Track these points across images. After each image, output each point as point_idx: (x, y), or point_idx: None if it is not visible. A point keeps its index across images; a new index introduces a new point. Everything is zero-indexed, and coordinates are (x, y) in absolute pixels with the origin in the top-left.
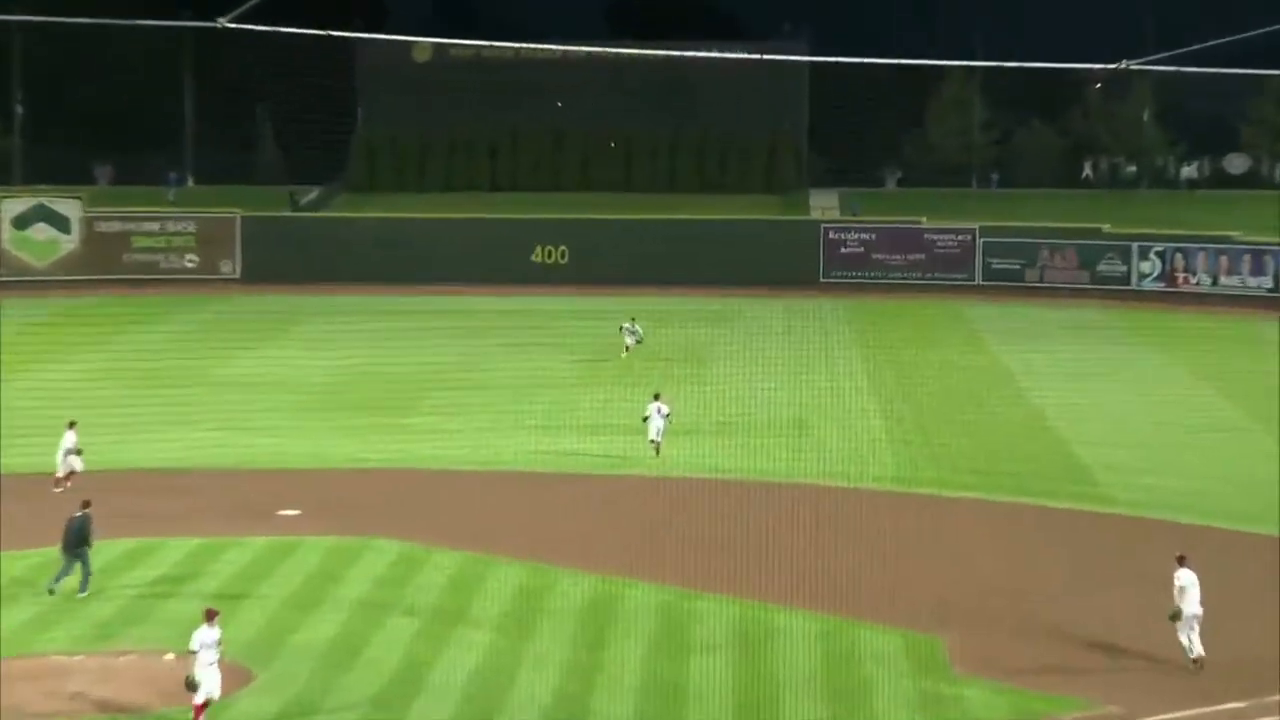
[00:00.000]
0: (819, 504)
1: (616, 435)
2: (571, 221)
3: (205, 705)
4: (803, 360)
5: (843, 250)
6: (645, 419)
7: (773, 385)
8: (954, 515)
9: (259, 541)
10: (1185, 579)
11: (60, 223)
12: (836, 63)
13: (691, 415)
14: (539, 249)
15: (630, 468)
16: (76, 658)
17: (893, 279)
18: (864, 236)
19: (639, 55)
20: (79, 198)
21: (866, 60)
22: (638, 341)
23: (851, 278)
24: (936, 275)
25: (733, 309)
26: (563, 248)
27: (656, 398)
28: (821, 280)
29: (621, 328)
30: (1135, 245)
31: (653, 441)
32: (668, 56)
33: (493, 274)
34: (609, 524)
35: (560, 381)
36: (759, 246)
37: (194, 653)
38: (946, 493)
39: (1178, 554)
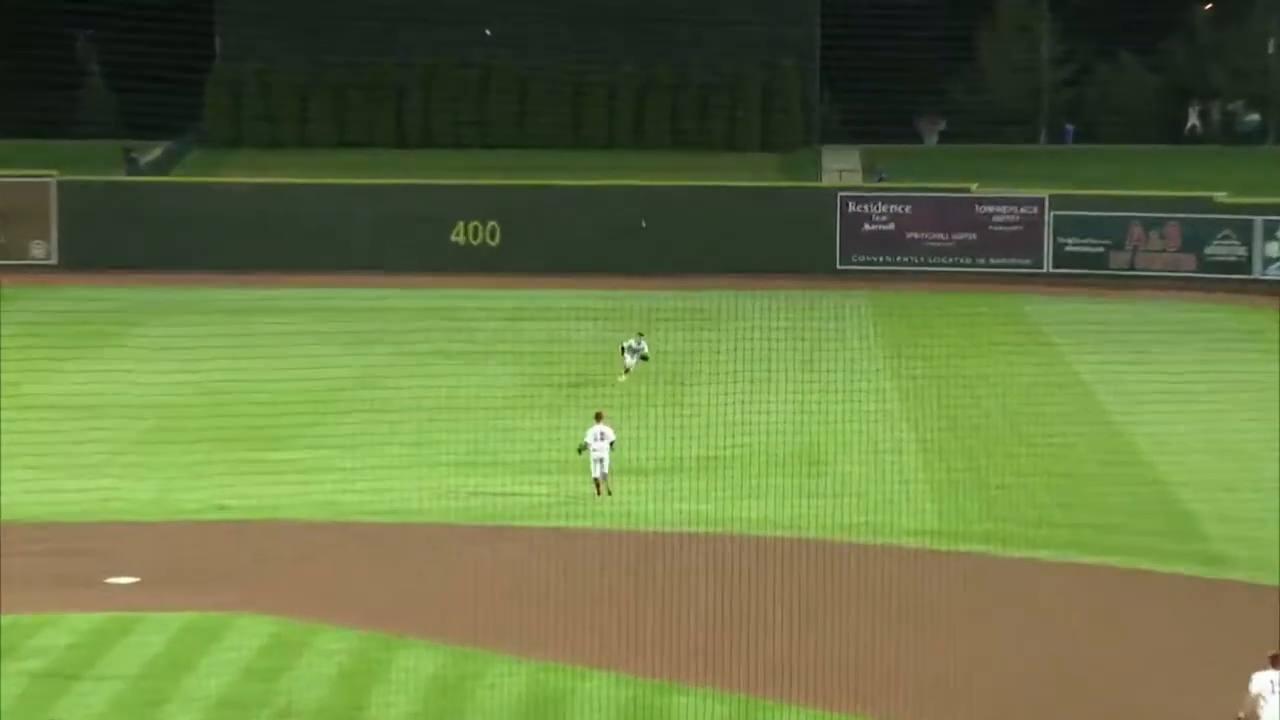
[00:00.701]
0: (837, 566)
1: (564, 474)
2: (505, 190)
3: None
4: (814, 375)
5: (866, 228)
6: (582, 449)
7: (775, 408)
8: (1015, 582)
9: (82, 619)
10: (1264, 684)
11: None
12: None
13: (667, 448)
14: (461, 226)
15: (582, 518)
16: None
17: (933, 266)
18: (895, 210)
19: None
20: None
21: None
22: (642, 359)
23: (878, 264)
24: (992, 261)
25: (720, 306)
26: (492, 224)
27: (598, 419)
28: (838, 268)
29: (624, 347)
30: (1259, 221)
31: (596, 478)
32: None
33: (399, 260)
34: (553, 593)
35: (490, 403)
36: (754, 223)
37: None
38: (1006, 551)
39: (1272, 652)
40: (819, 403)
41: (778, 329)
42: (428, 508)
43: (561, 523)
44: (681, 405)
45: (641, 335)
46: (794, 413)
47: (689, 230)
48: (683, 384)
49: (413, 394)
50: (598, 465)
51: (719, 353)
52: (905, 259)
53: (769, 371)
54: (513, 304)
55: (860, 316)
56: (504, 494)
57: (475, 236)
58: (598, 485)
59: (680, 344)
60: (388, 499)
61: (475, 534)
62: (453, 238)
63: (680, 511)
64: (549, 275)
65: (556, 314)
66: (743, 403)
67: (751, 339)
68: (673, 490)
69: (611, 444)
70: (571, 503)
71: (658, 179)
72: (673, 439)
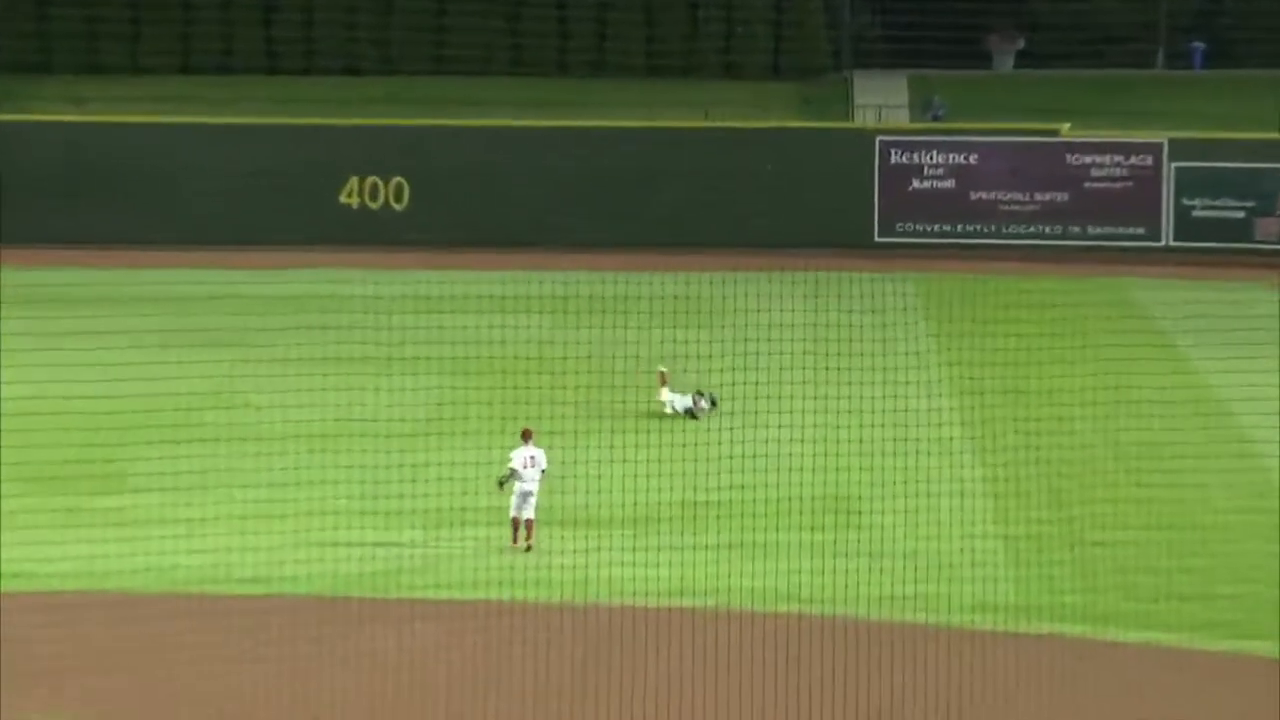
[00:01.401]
0: (875, 656)
1: (497, 525)
2: (415, 132)
3: None
4: (844, 390)
5: (916, 185)
6: (504, 480)
7: (789, 435)
8: (1127, 678)
9: None
10: None
11: None
12: None
13: (638, 488)
14: (354, 183)
15: (520, 587)
16: None
17: (1007, 238)
18: (955, 160)
19: None
20: None
21: None
22: (712, 405)
23: (931, 236)
24: (1089, 231)
25: (714, 294)
26: (398, 180)
27: (526, 439)
28: (877, 241)
29: (667, 399)
30: None
31: (515, 519)
32: None
33: (269, 228)
34: (480, 697)
35: (395, 428)
36: (761, 179)
37: None
38: (1113, 634)
39: None
40: (851, 428)
41: (793, 326)
42: (305, 574)
43: (492, 593)
44: (659, 430)
45: (703, 393)
46: (816, 441)
47: (670, 190)
48: (662, 401)
49: (287, 416)
50: (523, 502)
51: (711, 358)
52: (969, 228)
53: (781, 385)
54: (426, 290)
55: (907, 308)
56: (413, 553)
57: (374, 197)
58: (517, 531)
59: (658, 346)
60: (248, 562)
61: (371, 611)
62: (343, 198)
63: (656, 579)
64: (476, 250)
65: (488, 304)
66: (745, 428)
67: (757, 340)
68: (646, 548)
69: (543, 473)
70: (509, 568)
71: (626, 118)
72: (647, 477)
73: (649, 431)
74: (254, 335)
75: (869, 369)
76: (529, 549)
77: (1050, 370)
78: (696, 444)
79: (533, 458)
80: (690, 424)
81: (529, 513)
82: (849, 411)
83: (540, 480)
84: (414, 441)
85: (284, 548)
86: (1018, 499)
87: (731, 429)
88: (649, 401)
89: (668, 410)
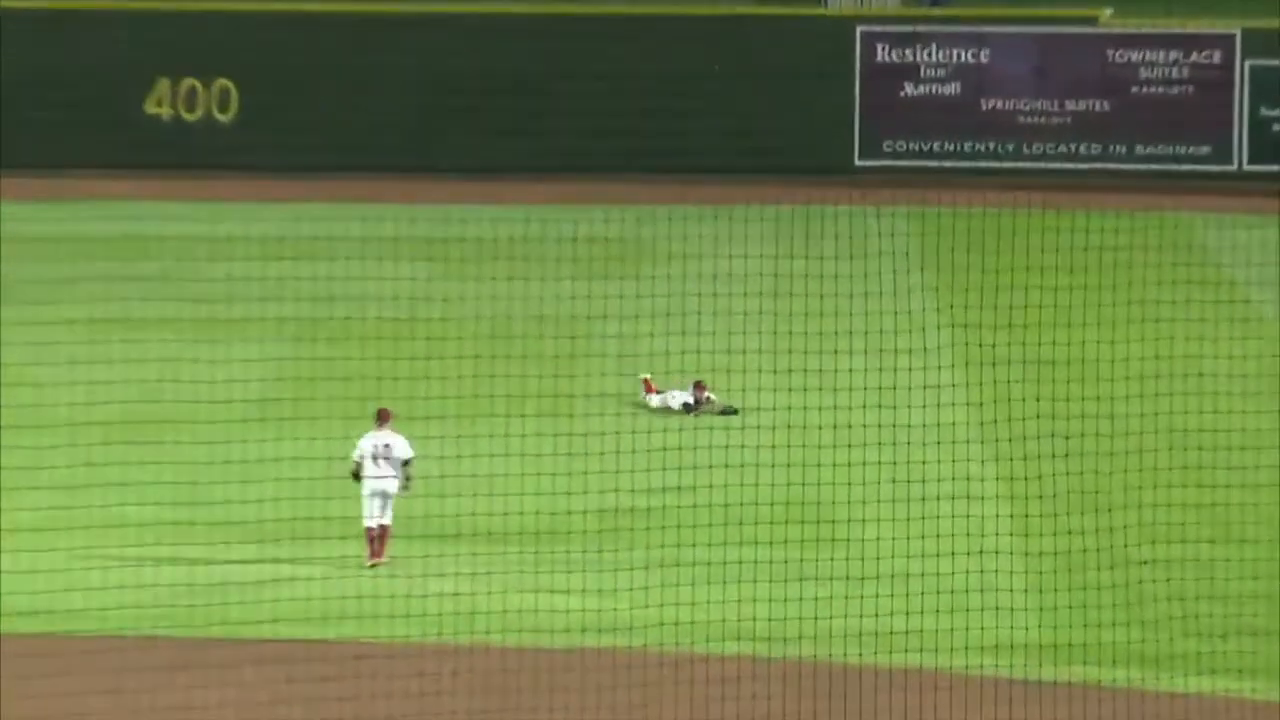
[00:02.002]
0: (858, 709)
1: (353, 538)
2: (247, 20)
3: None
4: (816, 359)
5: (910, 91)
6: (358, 469)
7: (747, 423)
8: None
9: None
10: None
11: None
12: None
13: (543, 493)
14: (163, 87)
15: (386, 619)
16: None
17: (1031, 159)
18: (961, 57)
19: None
20: None
21: None
22: (714, 407)
23: (931, 157)
24: (1139, 152)
25: (644, 235)
26: (223, 84)
27: (381, 421)
28: (858, 164)
29: (657, 403)
30: None
31: (371, 529)
32: None
33: (46, 149)
34: None
35: (220, 413)
36: (708, 85)
37: None
38: (1163, 682)
39: None
40: (825, 411)
41: (749, 279)
42: (99, 606)
43: (346, 631)
44: (573, 416)
45: (701, 384)
46: (779, 429)
47: (587, 98)
48: (576, 376)
49: (75, 397)
50: (377, 505)
51: (639, 320)
52: (979, 148)
53: (733, 356)
54: (261, 231)
55: (898, 254)
56: (243, 576)
57: (191, 106)
58: (374, 544)
59: (568, 303)
60: (22, 590)
61: (186, 655)
62: (149, 108)
63: (566, 610)
64: (328, 178)
65: (343, 249)
66: (688, 414)
67: (700, 297)
68: (553, 569)
69: (406, 466)
70: (369, 596)
71: (530, 3)
72: (555, 476)
73: (559, 416)
74: (28, 289)
75: (848, 334)
76: (374, 565)
77: (1086, 335)
78: (620, 434)
79: (387, 446)
80: (612, 411)
81: (385, 516)
82: (822, 389)
83: (402, 477)
84: (245, 430)
85: (71, 571)
86: (1042, 504)
87: (667, 417)
88: (557, 377)
89: (654, 404)
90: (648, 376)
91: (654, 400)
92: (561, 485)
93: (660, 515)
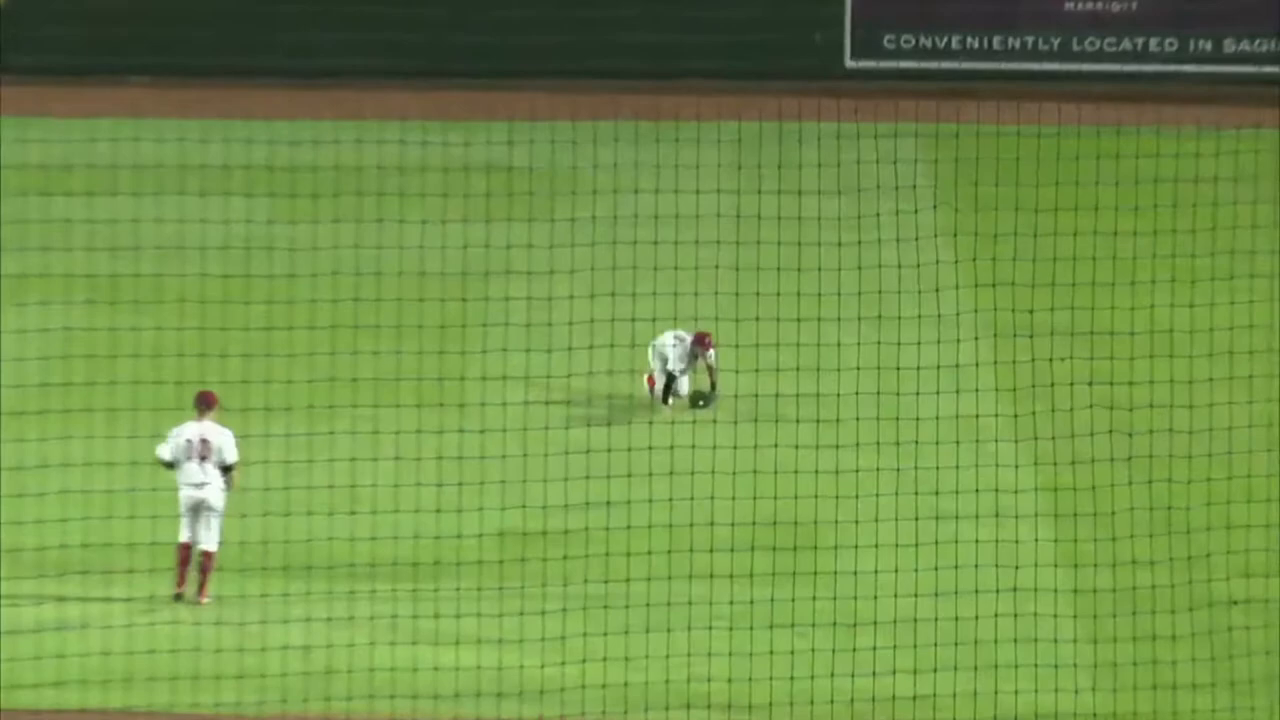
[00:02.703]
0: None
1: (150, 570)
2: None
3: None
4: (793, 329)
5: None
6: (170, 459)
7: (701, 415)
8: None
9: None
10: None
11: None
12: None
13: (423, 504)
14: None
15: (205, 684)
16: None
17: (1080, 60)
18: None
19: None
20: None
21: None
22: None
23: (946, 57)
24: (1225, 49)
25: (562, 161)
26: None
27: (205, 407)
28: (850, 65)
29: (660, 358)
30: None
31: (187, 549)
32: None
33: None
34: None
35: None
36: None
37: None
38: None
39: None
40: (806, 401)
41: (705, 220)
42: None
43: (159, 698)
44: (462, 409)
45: (706, 339)
46: (745, 424)
47: None
48: (469, 354)
49: None
50: (194, 522)
51: (555, 278)
52: (1011, 45)
53: (682, 325)
54: (42, 155)
55: (903, 188)
56: (15, 622)
57: None
58: (185, 568)
59: (465, 258)
60: None
61: None
62: None
63: (459, 668)
64: (130, 83)
65: (154, 182)
66: (627, 400)
67: (636, 245)
68: (437, 614)
69: (228, 473)
70: (185, 644)
71: None
72: (441, 490)
73: (446, 407)
74: None
75: (835, 296)
76: (177, 597)
77: (1155, 296)
78: (530, 430)
79: (204, 442)
80: (518, 399)
81: (206, 539)
82: (801, 371)
83: (229, 482)
84: (18, 426)
85: None
86: (1097, 524)
87: (591, 401)
88: (443, 354)
89: (669, 369)
90: (650, 374)
91: (656, 393)
92: (450, 500)
93: (584, 540)
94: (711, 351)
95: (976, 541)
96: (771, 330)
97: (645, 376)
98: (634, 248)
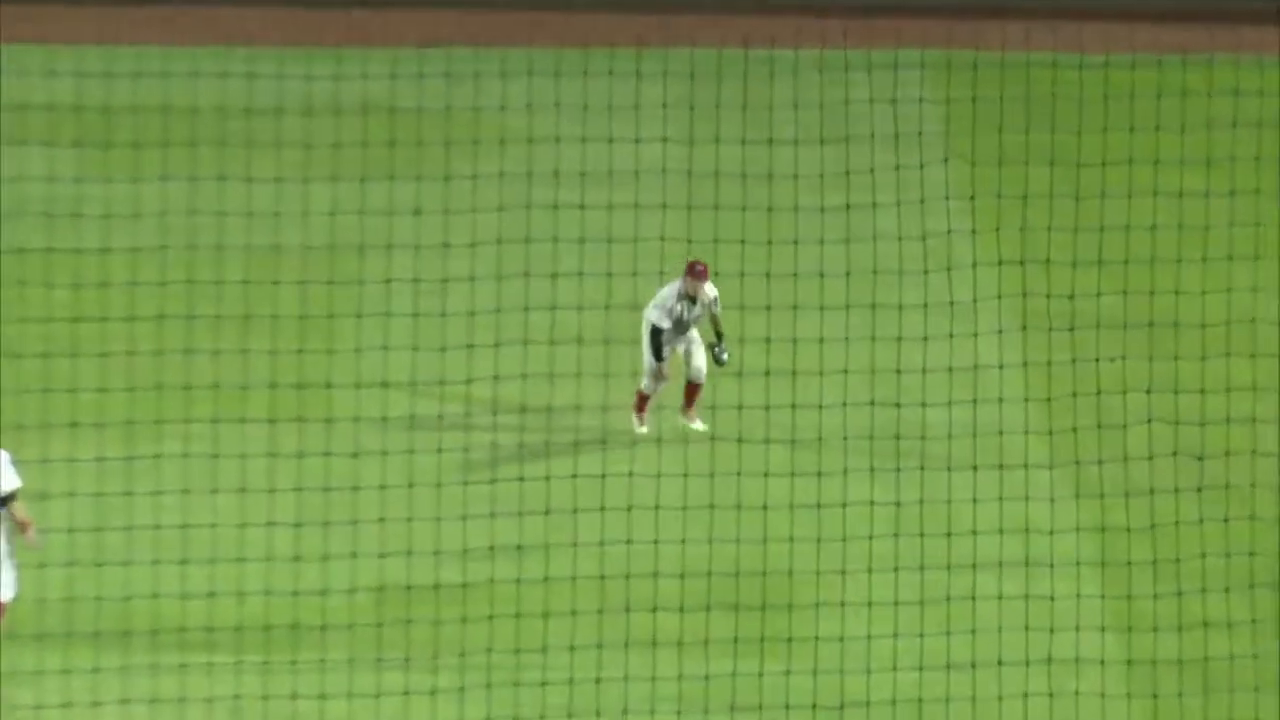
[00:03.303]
0: None
1: None
2: None
3: None
4: (761, 320)
5: None
6: None
7: (635, 435)
8: None
9: None
10: None
11: None
12: None
13: (264, 561)
14: None
15: None
16: None
17: None
18: None
19: None
20: None
21: None
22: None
23: None
24: None
25: (461, 97)
26: None
27: None
28: None
29: (657, 330)
30: None
31: None
32: None
33: None
34: None
35: None
36: None
37: None
38: None
39: None
40: (781, 413)
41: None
42: None
43: None
44: (332, 420)
45: (700, 269)
46: (697, 443)
47: None
48: (335, 352)
49: None
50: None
51: (452, 253)
52: None
53: (615, 312)
54: None
55: (906, 135)
56: None
57: None
58: None
59: (332, 226)
60: None
61: None
62: None
63: None
64: None
65: None
66: (533, 413)
67: (563, 210)
68: (302, 686)
69: (4, 505)
70: None
71: None
72: (295, 532)
73: (307, 423)
74: None
75: (817, 278)
76: None
77: (1234, 278)
78: (417, 454)
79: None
80: (400, 415)
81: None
82: (772, 375)
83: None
84: None
85: None
86: (1156, 577)
87: (499, 414)
88: (303, 353)
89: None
90: (644, 385)
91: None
92: (313, 544)
93: (488, 596)
94: (709, 286)
95: (1000, 598)
96: (734, 322)
97: (637, 393)
98: (554, 214)
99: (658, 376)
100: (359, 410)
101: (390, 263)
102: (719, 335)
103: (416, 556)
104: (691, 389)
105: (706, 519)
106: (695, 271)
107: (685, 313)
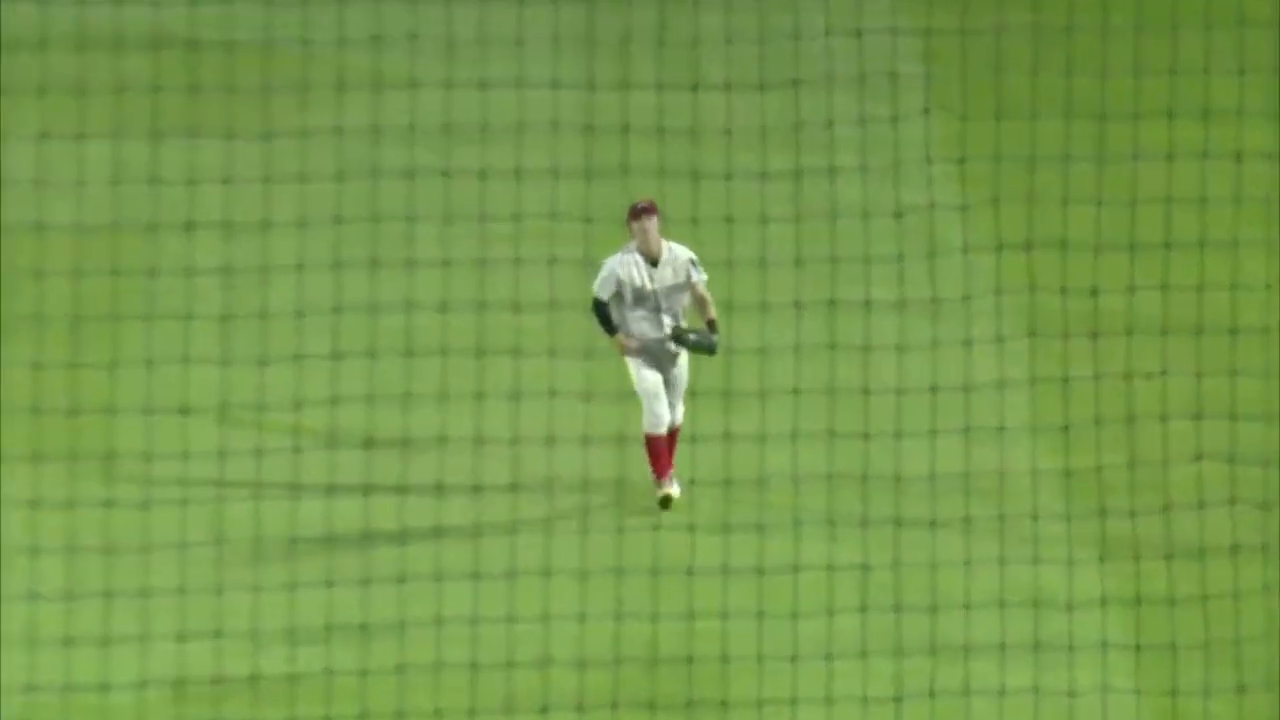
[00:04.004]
0: None
1: None
2: None
3: None
4: (733, 324)
5: None
6: None
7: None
8: None
9: None
10: None
11: None
12: None
13: None
14: None
15: None
16: None
17: None
18: None
19: None
20: None
21: None
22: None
23: None
24: None
25: (300, 22)
26: None
27: None
28: None
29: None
30: None
31: None
32: None
33: None
34: None
35: None
36: None
37: None
38: None
39: None
40: (709, 441)
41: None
42: None
43: None
44: (126, 447)
45: (645, 208)
46: (602, 488)
47: None
48: (120, 364)
49: None
50: None
51: (273, 225)
52: None
53: (492, 312)
54: None
55: (876, 75)
56: None
57: None
58: None
59: (134, 197)
60: None
61: None
62: None
63: None
64: None
65: None
66: (396, 446)
67: (432, 175)
68: None
69: None
70: None
71: None
72: (83, 610)
73: (80, 462)
74: None
75: (758, 266)
76: None
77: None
78: (227, 500)
79: None
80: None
81: None
82: (700, 395)
83: None
84: None
85: None
86: (1208, 665)
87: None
88: (76, 368)
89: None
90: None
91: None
92: (88, 623)
93: (323, 691)
94: (678, 247)
95: (1002, 693)
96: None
97: (646, 440)
98: (409, 183)
99: (655, 395)
100: (150, 445)
101: (191, 247)
102: (710, 324)
103: (228, 639)
104: (670, 439)
105: (612, 587)
106: (639, 208)
107: (646, 279)
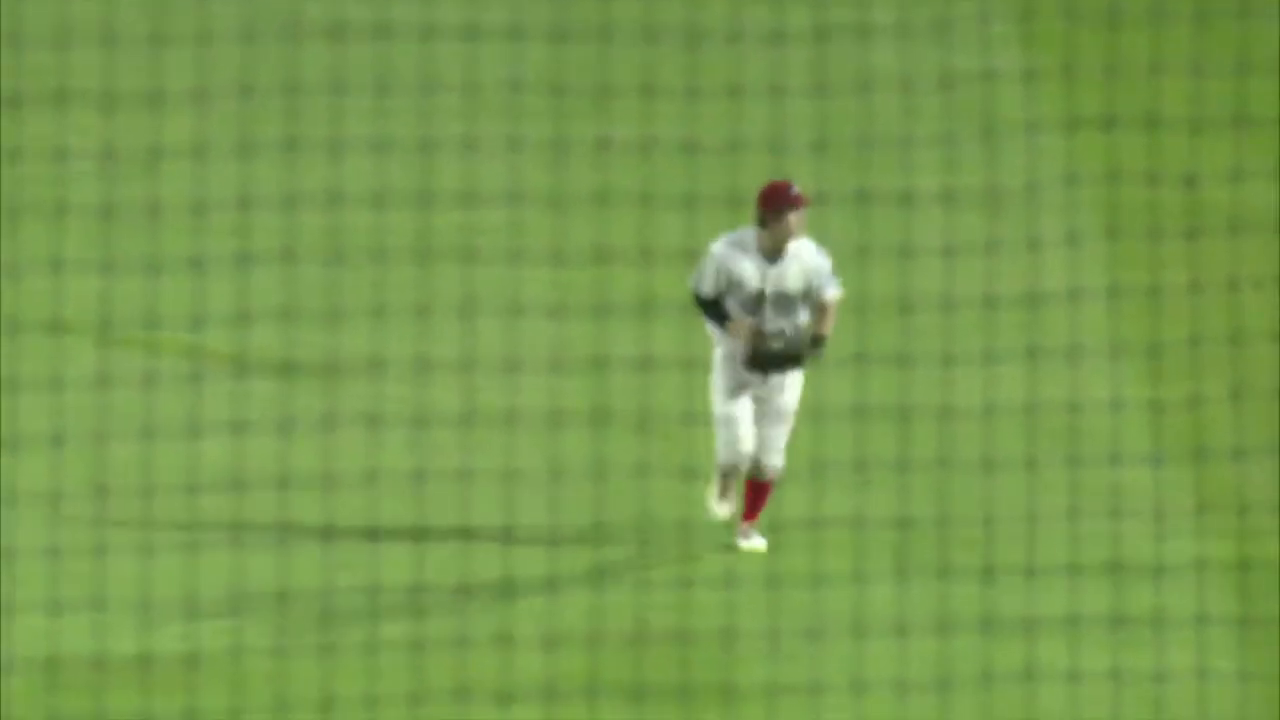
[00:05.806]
0: None
1: None
2: None
3: None
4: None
5: None
6: None
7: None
8: None
9: None
10: None
11: None
12: None
13: None
14: None
15: None
16: None
17: None
18: None
19: None
20: None
21: None
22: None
23: None
24: None
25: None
26: None
27: None
28: None
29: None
30: None
31: None
32: None
33: None
34: None
35: None
36: None
37: None
38: None
39: None
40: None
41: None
42: None
43: None
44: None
45: (779, 255)
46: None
47: None
48: None
49: None
50: None
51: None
52: None
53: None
54: None
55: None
56: None
57: None
58: None
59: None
60: None
61: None
62: None
63: None
64: None
65: None
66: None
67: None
68: None
69: None
70: None
71: None
72: None
73: None
74: None
75: (767, 150)
76: None
77: None
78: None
79: None
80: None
81: None
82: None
83: None
84: None
85: None
86: None
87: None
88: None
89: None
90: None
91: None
92: None
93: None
94: (810, 245)
95: (1074, 677)
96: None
97: (712, 486)
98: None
99: (736, 420)
100: (16, 368)
101: (64, 124)
102: (815, 339)
103: (112, 612)
104: (758, 489)
105: (589, 548)
106: (786, 197)
107: (758, 278)
